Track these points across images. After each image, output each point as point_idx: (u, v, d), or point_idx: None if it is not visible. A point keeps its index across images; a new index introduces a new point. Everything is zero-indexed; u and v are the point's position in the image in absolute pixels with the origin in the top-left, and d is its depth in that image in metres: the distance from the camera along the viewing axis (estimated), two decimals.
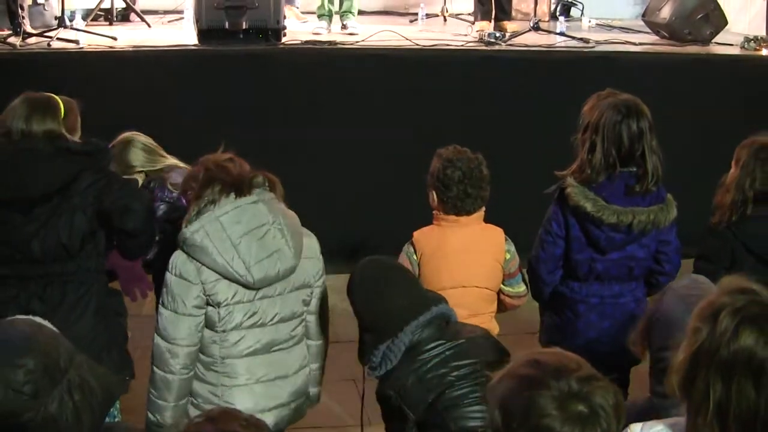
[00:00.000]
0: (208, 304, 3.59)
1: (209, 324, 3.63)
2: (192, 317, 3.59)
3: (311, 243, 3.81)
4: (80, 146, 3.96)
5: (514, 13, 9.51)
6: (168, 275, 3.61)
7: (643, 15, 9.21)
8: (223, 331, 3.62)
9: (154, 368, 3.66)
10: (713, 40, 8.54)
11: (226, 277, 3.55)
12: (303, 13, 9.83)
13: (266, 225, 3.59)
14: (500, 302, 4.34)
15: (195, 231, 3.54)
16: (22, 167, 3.83)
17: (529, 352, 2.27)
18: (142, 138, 4.80)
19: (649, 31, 9.01)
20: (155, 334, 3.68)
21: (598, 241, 4.03)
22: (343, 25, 8.32)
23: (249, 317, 3.63)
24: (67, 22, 7.79)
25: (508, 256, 4.25)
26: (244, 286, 3.57)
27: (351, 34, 7.99)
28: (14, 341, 2.38)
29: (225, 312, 3.59)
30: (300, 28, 8.90)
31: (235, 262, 3.52)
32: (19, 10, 7.78)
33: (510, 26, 8.79)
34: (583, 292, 4.18)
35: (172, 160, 4.79)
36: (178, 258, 3.60)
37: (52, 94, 4.03)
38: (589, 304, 4.17)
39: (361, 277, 3.61)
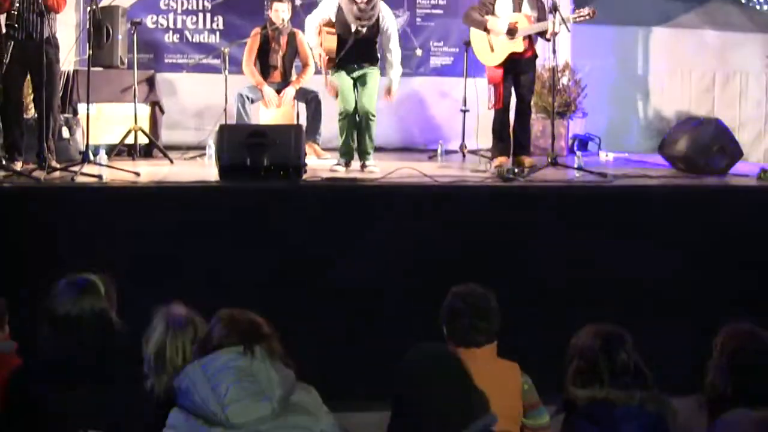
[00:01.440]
0: None
1: None
2: None
3: (310, 398, 3.66)
4: (124, 342, 4.01)
5: (532, 149, 9.62)
6: None
7: (660, 148, 9.28)
8: None
9: None
10: (730, 171, 8.61)
11: (206, 419, 3.49)
12: (324, 149, 9.98)
13: (251, 375, 3.49)
14: None
15: (181, 379, 3.52)
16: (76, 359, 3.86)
17: None
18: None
19: (666, 163, 9.08)
20: None
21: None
22: (362, 164, 8.49)
23: None
24: (91, 157, 7.89)
25: (526, 387, 4.23)
26: (223, 427, 3.46)
27: (371, 173, 8.09)
28: None
29: None
30: (321, 164, 9.01)
31: (211, 401, 3.42)
32: (45, 145, 7.91)
33: (528, 161, 8.88)
34: None
35: None
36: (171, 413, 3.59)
37: (90, 275, 4.09)
38: None
39: (410, 370, 3.39)
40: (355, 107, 8.73)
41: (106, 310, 4.00)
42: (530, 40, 9.09)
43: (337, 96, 8.92)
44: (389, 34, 8.82)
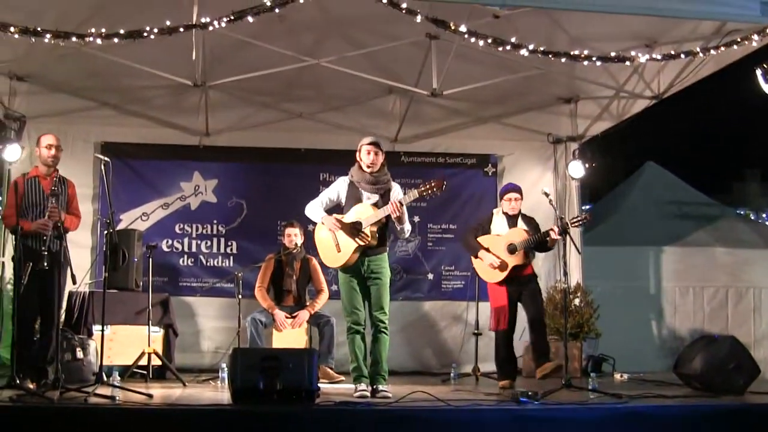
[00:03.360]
0: None
1: None
2: None
3: None
4: None
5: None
6: None
7: (675, 367, 9.23)
8: None
9: None
10: (747, 389, 8.51)
11: None
12: (337, 372, 9.93)
13: None
14: None
15: None
16: None
17: None
18: None
19: (682, 383, 9.00)
20: None
21: None
22: (374, 389, 8.20)
23: None
24: (105, 378, 7.91)
25: None
26: None
27: (384, 398, 7.94)
28: None
29: None
30: (334, 388, 8.94)
31: None
32: (59, 366, 7.93)
33: (550, 366, 8.87)
34: None
35: None
36: None
37: None
38: None
39: None
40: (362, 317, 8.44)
41: None
42: (527, 256, 9.32)
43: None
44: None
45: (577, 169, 12.16)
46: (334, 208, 8.60)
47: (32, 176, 8.54)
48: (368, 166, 8.40)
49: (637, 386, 9.35)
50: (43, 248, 8.02)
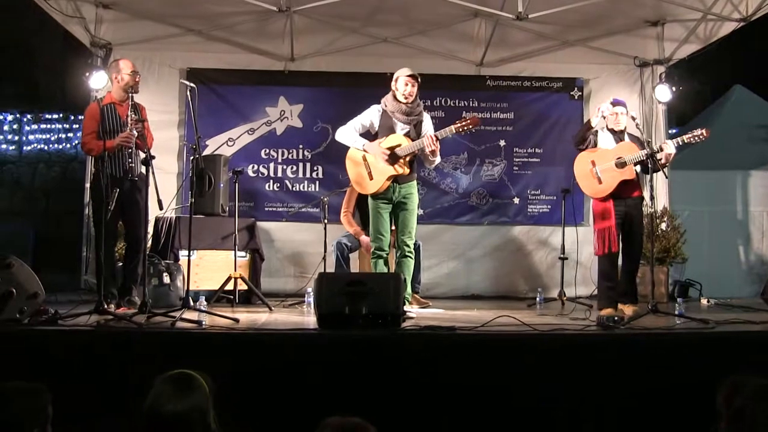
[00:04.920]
0: None
1: None
2: None
3: None
4: None
5: None
6: None
7: (762, 293, 9.14)
8: None
9: None
10: None
11: None
12: (424, 297, 9.97)
13: None
14: None
15: None
16: None
17: None
18: None
19: None
20: None
21: None
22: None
23: None
24: (191, 303, 8.02)
25: None
26: None
27: (408, 318, 7.95)
28: None
29: None
30: (420, 312, 8.99)
31: None
32: (146, 291, 8.08)
33: (628, 309, 8.74)
34: None
35: None
36: None
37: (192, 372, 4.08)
38: None
39: None
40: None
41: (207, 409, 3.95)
42: (637, 176, 8.99)
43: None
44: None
45: (664, 92, 11.98)
46: (364, 135, 8.76)
47: (107, 102, 8.61)
48: (405, 97, 8.55)
49: (724, 312, 9.25)
50: (130, 161, 8.17)
